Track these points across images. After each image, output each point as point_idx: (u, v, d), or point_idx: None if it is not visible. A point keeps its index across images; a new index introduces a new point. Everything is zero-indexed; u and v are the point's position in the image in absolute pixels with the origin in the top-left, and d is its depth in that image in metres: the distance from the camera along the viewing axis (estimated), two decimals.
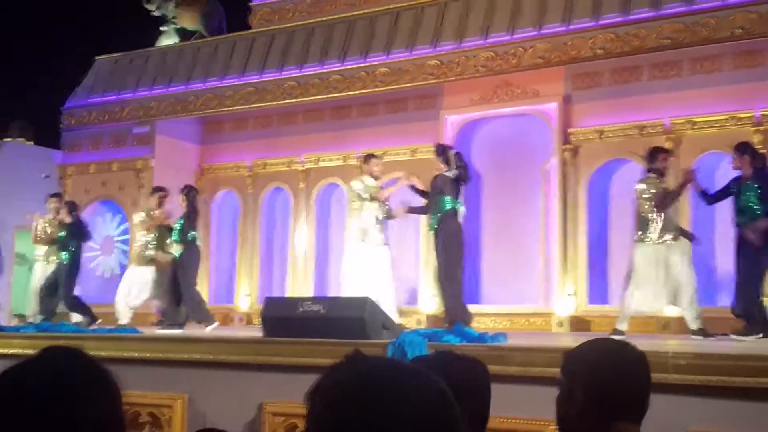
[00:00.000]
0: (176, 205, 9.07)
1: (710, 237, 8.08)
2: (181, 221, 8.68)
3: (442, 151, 7.71)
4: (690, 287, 6.70)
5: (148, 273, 9.05)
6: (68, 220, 9.23)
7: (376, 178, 8.12)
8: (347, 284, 7.98)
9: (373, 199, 7.96)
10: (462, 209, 7.56)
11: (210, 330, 8.17)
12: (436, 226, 7.45)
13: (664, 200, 6.81)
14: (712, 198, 7.22)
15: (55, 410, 1.16)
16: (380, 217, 7.98)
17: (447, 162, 7.53)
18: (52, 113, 12.13)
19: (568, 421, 2.01)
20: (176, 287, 8.59)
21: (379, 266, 7.87)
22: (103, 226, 11.18)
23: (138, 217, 9.35)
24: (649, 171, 7.03)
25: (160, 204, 9.20)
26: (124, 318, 8.86)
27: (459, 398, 2.01)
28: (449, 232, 7.36)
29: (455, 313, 7.16)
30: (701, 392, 4.28)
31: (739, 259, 6.86)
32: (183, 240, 8.58)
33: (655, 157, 7.03)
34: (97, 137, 11.59)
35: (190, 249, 8.66)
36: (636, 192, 7.01)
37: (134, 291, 9.05)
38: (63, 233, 9.23)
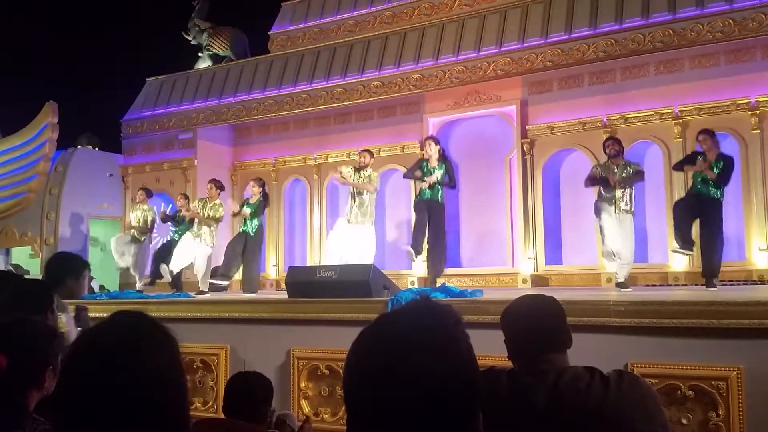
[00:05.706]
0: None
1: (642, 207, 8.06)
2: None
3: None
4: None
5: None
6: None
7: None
8: (329, 256, 8.08)
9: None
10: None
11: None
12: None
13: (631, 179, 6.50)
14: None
15: (124, 360, 1.16)
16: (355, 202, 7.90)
17: None
18: (113, 125, 12.05)
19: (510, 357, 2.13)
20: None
21: (354, 241, 7.77)
22: (158, 213, 10.99)
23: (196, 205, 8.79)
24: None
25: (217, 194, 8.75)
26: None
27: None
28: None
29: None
30: (636, 332, 4.29)
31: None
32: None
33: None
34: (150, 143, 11.49)
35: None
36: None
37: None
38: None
